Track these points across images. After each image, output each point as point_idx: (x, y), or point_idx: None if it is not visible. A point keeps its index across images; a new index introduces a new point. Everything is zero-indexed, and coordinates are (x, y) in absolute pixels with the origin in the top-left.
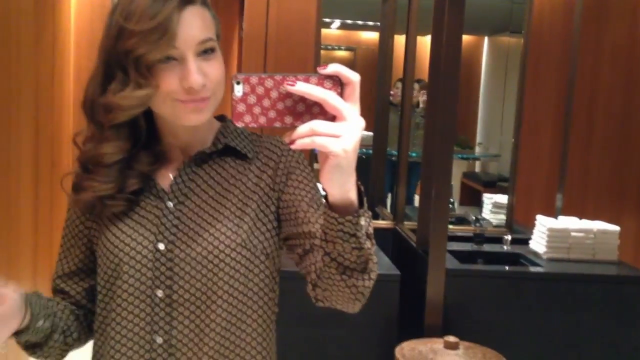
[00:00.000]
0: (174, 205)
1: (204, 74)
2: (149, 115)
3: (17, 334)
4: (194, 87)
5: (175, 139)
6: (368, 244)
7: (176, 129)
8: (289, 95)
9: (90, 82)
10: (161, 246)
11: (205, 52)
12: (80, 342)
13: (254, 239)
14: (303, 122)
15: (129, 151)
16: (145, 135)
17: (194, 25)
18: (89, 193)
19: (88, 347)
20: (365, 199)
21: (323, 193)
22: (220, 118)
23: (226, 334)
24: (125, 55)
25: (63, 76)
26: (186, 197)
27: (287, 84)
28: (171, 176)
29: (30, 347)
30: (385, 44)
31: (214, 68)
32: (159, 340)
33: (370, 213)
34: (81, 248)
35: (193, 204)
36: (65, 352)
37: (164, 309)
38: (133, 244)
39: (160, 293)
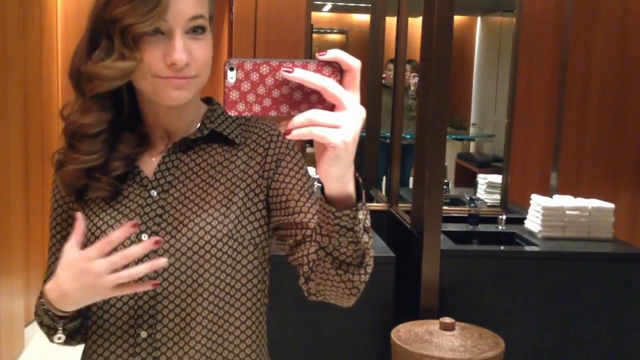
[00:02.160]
0: (158, 194)
1: (189, 52)
2: (132, 92)
3: (71, 319)
4: (177, 64)
5: (157, 120)
6: (365, 238)
7: (157, 109)
8: (286, 82)
9: (77, 50)
10: (144, 237)
11: (194, 31)
12: None
13: (241, 228)
14: (300, 111)
15: (111, 122)
16: (128, 112)
17: (185, 0)
18: (73, 165)
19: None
20: (363, 192)
21: (318, 185)
22: (208, 101)
23: (213, 327)
24: (112, 23)
25: (51, 64)
26: (170, 185)
27: (284, 71)
28: (156, 163)
29: (75, 333)
30: (377, 25)
31: (202, 48)
32: (143, 334)
33: (368, 206)
34: (66, 238)
35: (178, 193)
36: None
37: (148, 302)
38: None
39: None
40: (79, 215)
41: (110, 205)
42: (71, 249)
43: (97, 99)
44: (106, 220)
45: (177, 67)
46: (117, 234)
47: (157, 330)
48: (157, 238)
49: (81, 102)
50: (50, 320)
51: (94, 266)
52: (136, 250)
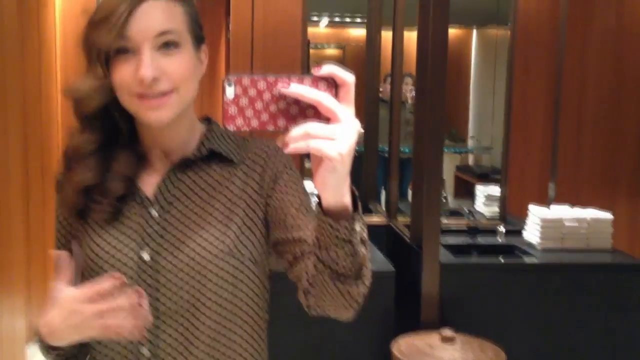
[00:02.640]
0: (159, 214)
1: (160, 68)
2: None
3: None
4: (143, 79)
5: (154, 140)
6: (362, 250)
7: (152, 129)
8: (282, 97)
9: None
10: (145, 256)
11: (166, 46)
12: None
13: (241, 246)
14: (297, 125)
15: (101, 142)
16: (126, 133)
17: (151, 17)
18: (69, 185)
19: None
20: (359, 204)
21: (315, 200)
22: (206, 121)
23: (215, 344)
24: (85, 46)
25: (50, 82)
26: (171, 205)
27: (281, 86)
28: (155, 182)
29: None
30: (373, 39)
31: (175, 63)
32: (145, 351)
33: (364, 219)
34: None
35: (178, 212)
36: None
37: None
38: (117, 253)
39: None
40: (63, 255)
41: (112, 225)
42: (61, 289)
43: (87, 120)
44: (107, 239)
45: (145, 83)
46: (108, 286)
47: (158, 347)
48: (140, 289)
49: (77, 124)
50: (45, 352)
51: (83, 309)
52: (122, 302)
